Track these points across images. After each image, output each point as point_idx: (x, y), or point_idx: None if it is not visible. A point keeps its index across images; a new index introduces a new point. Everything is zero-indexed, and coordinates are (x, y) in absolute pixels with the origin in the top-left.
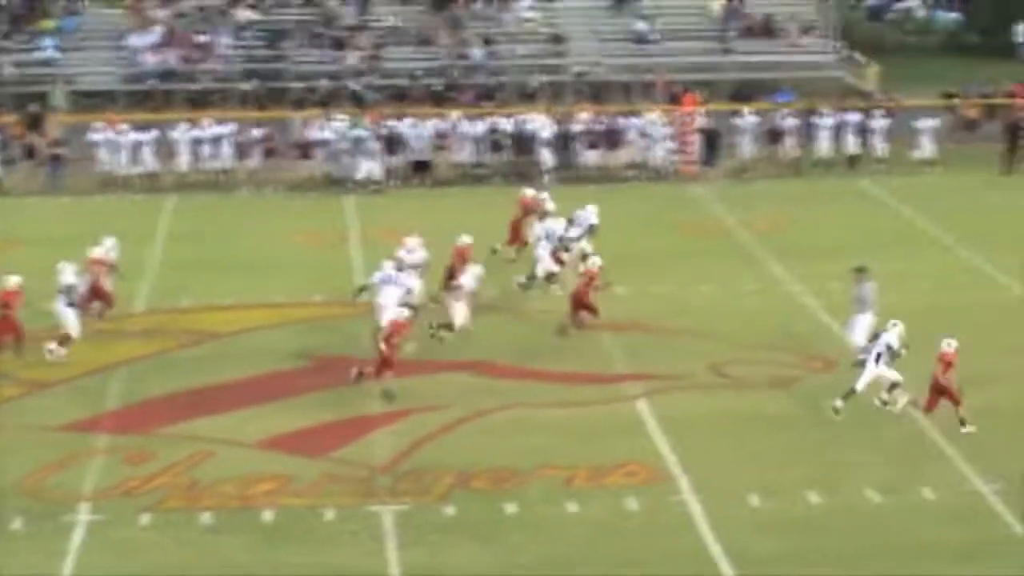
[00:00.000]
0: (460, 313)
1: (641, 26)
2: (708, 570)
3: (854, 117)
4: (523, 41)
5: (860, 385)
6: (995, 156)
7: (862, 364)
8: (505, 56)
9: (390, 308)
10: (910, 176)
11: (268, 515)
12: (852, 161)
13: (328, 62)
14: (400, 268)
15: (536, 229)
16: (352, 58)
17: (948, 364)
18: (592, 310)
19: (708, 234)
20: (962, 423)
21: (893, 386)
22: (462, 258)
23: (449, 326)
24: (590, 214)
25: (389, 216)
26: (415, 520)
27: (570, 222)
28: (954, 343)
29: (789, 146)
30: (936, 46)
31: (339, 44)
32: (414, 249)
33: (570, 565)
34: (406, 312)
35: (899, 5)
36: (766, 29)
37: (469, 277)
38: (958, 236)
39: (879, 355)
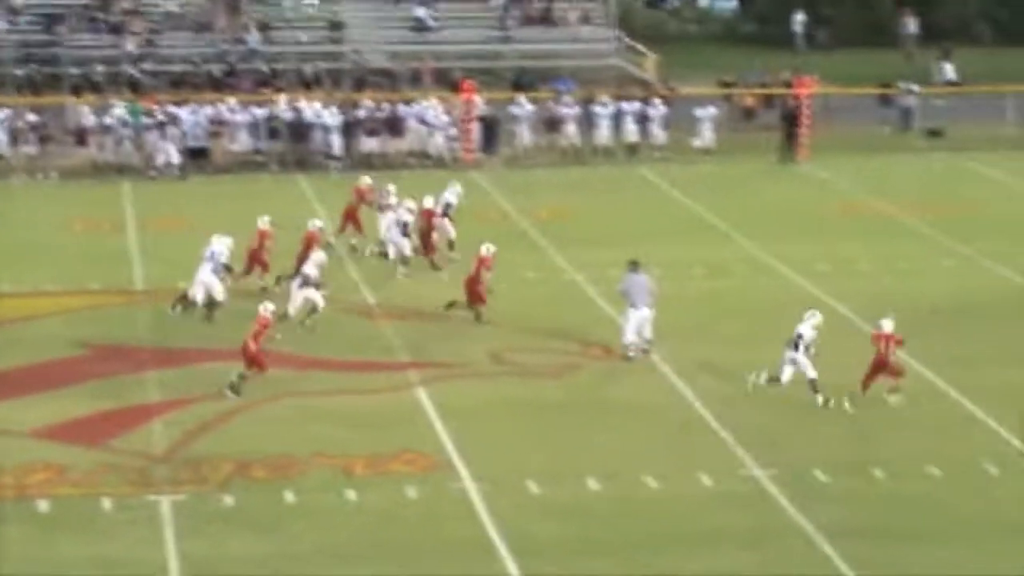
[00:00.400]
0: (296, 302)
1: (421, 13)
2: (487, 557)
3: (633, 106)
4: (302, 28)
5: (785, 376)
6: (772, 145)
7: (628, 359)
8: (283, 43)
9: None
10: (689, 164)
11: (44, 505)
12: (631, 150)
13: (104, 47)
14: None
15: (385, 220)
16: (129, 43)
17: (894, 343)
18: (479, 299)
19: (489, 222)
20: (893, 392)
21: (812, 382)
22: (309, 244)
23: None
24: (451, 193)
25: (166, 204)
26: (193, 509)
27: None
28: (891, 323)
29: (569, 134)
30: (714, 35)
31: (115, 29)
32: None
33: (349, 554)
34: (271, 307)
35: None
36: (546, 18)
37: (311, 265)
38: (735, 224)
39: (797, 343)
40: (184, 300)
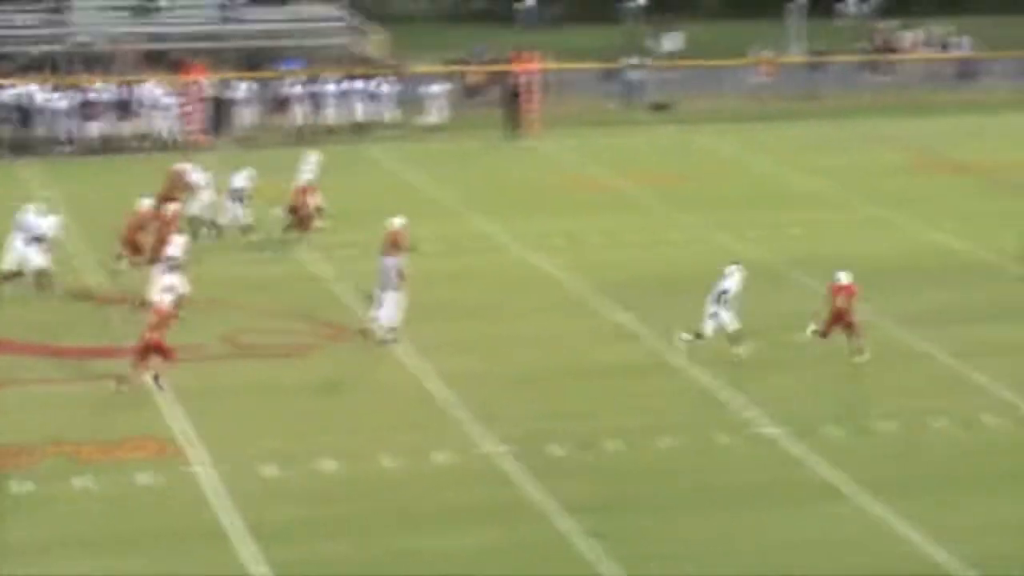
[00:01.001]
0: (155, 288)
1: None
2: (223, 542)
3: (361, 84)
4: (23, 10)
5: (708, 330)
6: (499, 121)
7: (377, 340)
8: (5, 25)
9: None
10: (419, 142)
11: None
12: (360, 128)
13: None
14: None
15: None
16: None
17: (851, 294)
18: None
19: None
20: (859, 352)
21: (736, 336)
22: (168, 227)
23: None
24: (243, 177)
25: None
26: None
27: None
28: (848, 275)
29: (297, 114)
30: (441, 13)
31: None
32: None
33: (84, 542)
34: (169, 298)
35: None
36: None
37: (176, 248)
38: (467, 201)
39: (720, 297)
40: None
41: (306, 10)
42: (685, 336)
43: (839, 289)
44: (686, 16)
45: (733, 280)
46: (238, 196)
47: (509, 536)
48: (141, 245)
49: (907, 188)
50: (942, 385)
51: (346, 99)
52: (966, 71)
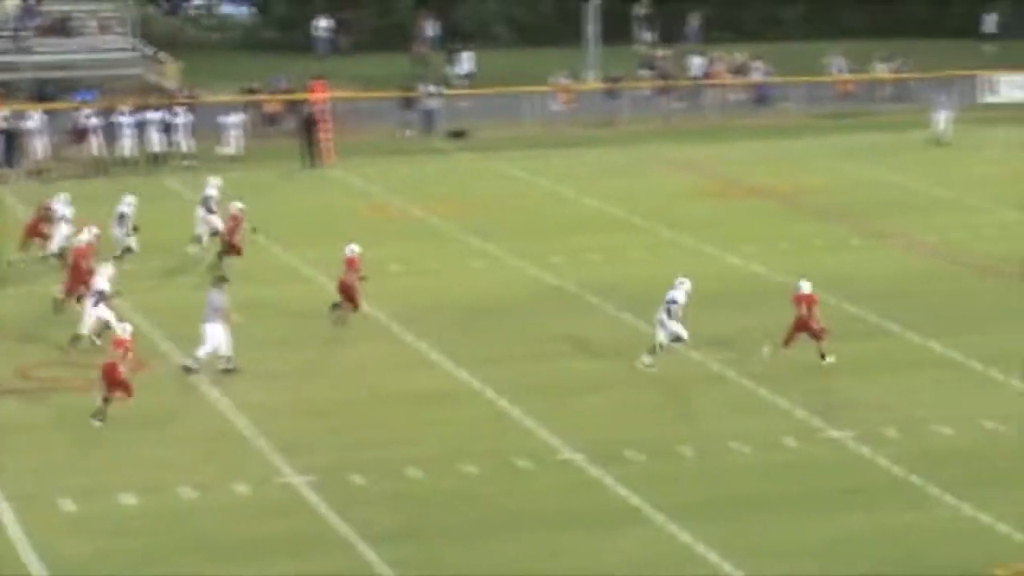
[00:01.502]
0: (89, 320)
1: None
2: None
3: (156, 115)
4: None
5: (662, 338)
6: (297, 150)
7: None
8: None
9: None
10: (216, 172)
11: None
12: (156, 159)
13: None
14: None
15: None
16: None
17: (812, 303)
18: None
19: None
20: (822, 357)
21: (676, 339)
22: (86, 258)
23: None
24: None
25: None
26: None
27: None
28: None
29: (93, 145)
30: (235, 42)
31: None
32: None
33: None
34: (129, 328)
35: (196, 1)
36: (64, 27)
37: (103, 280)
38: (265, 231)
39: (668, 311)
40: None
41: (98, 40)
42: (646, 360)
43: (801, 298)
44: (479, 45)
45: (682, 291)
46: (123, 222)
47: (311, 567)
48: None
49: (705, 212)
50: (742, 408)
51: (141, 130)
52: (762, 96)
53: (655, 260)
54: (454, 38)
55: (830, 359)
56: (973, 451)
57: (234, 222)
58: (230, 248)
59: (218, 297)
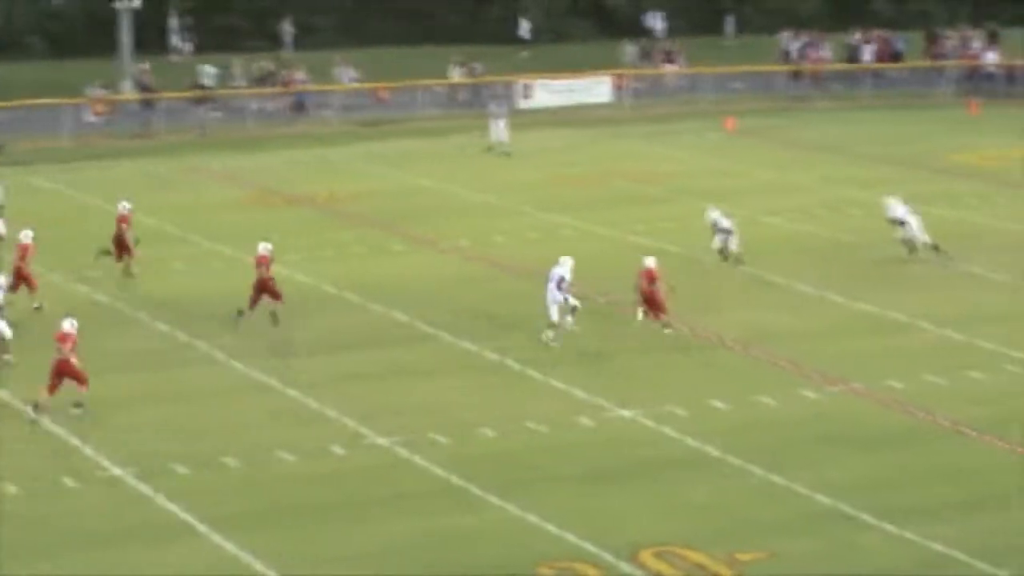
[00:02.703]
0: None
1: None
2: None
3: None
4: None
5: (554, 316)
6: None
7: None
8: None
9: None
10: None
11: None
12: None
13: None
14: None
15: None
16: None
17: (652, 278)
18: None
19: None
20: (668, 326)
21: (573, 309)
22: None
23: None
24: None
25: None
26: None
27: None
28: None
29: None
30: None
31: None
32: None
33: None
34: (75, 322)
35: None
36: None
37: None
38: None
39: (559, 287)
40: None
41: None
42: (550, 334)
43: (644, 273)
44: (10, 58)
45: (567, 268)
46: None
47: None
48: None
49: (245, 222)
50: (288, 417)
51: None
52: (299, 104)
53: (197, 271)
54: None
55: (669, 331)
56: (517, 453)
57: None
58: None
59: None
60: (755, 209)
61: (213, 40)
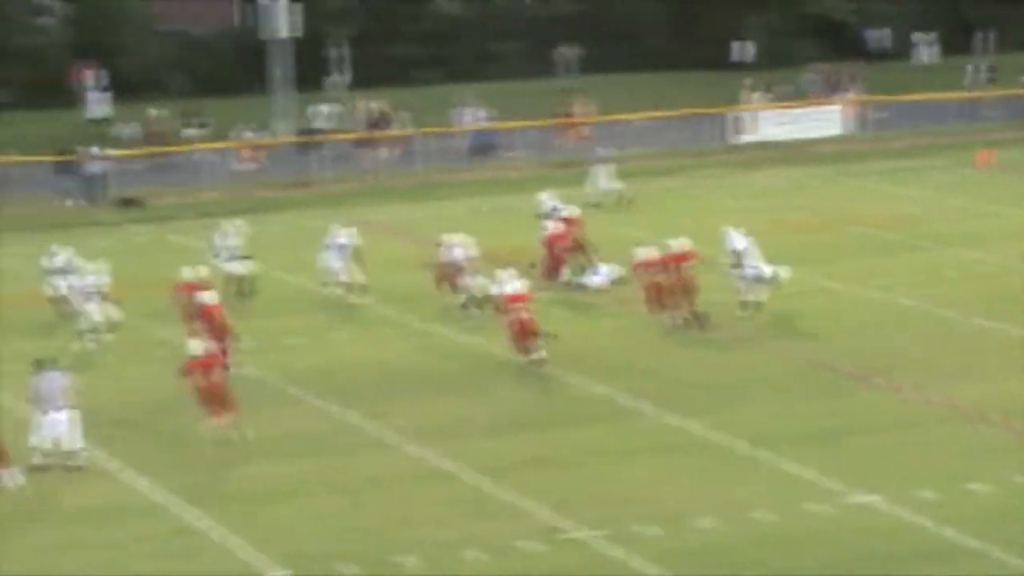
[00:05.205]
0: None
1: None
2: None
3: None
4: None
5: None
6: None
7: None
8: None
9: None
10: None
11: None
12: None
13: None
14: None
15: None
16: None
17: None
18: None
19: None
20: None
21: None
22: None
23: None
24: None
25: None
26: None
27: None
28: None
29: None
30: None
31: None
32: None
33: None
34: None
35: None
36: None
37: None
38: None
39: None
40: None
41: None
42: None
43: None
44: (147, 98)
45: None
46: None
47: None
48: None
49: (413, 282)
50: (469, 509)
51: None
52: (480, 145)
53: (364, 340)
54: (123, 90)
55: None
56: (740, 546)
57: None
58: None
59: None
60: (1010, 255)
61: (377, 72)
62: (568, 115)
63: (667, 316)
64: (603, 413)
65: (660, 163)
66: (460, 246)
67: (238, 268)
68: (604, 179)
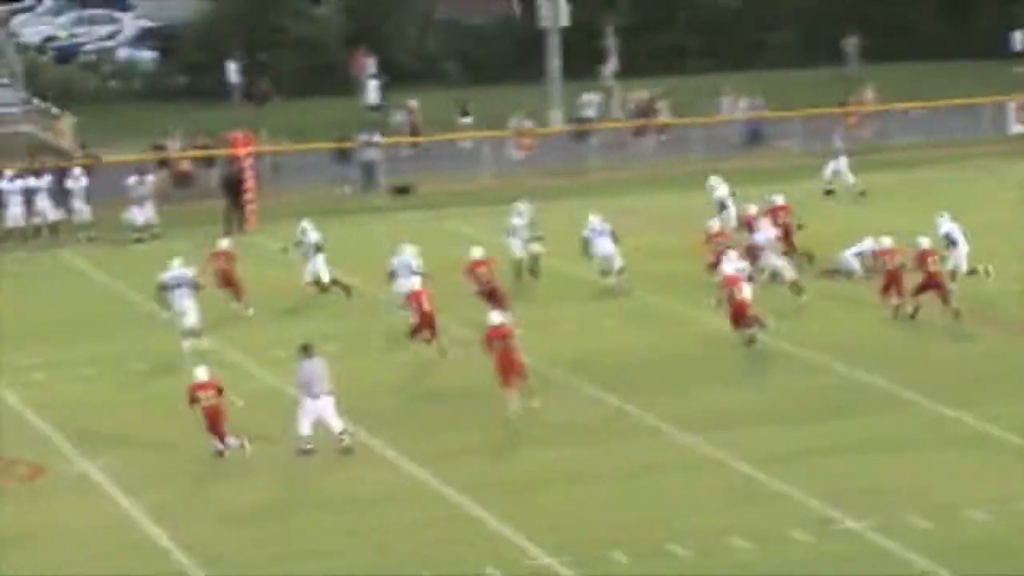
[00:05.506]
0: None
1: None
2: None
3: (46, 179)
4: None
5: None
6: (218, 214)
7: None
8: None
9: None
10: (121, 244)
11: None
12: (52, 230)
13: None
14: None
15: None
16: None
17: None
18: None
19: None
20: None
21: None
22: None
23: None
24: None
25: None
26: None
27: None
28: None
29: None
30: (136, 91)
31: None
32: None
33: None
34: None
35: (90, 46)
36: None
37: None
38: None
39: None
40: None
41: None
42: None
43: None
44: (423, 87)
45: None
46: None
47: None
48: None
49: (680, 271)
50: (741, 497)
51: (31, 196)
52: (753, 132)
53: (631, 327)
54: (399, 78)
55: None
56: (1013, 540)
57: None
58: None
59: (311, 366)
60: None
61: (646, 61)
62: (859, 103)
63: (896, 304)
64: (875, 403)
65: (932, 152)
66: (765, 229)
67: (533, 248)
68: (834, 170)
